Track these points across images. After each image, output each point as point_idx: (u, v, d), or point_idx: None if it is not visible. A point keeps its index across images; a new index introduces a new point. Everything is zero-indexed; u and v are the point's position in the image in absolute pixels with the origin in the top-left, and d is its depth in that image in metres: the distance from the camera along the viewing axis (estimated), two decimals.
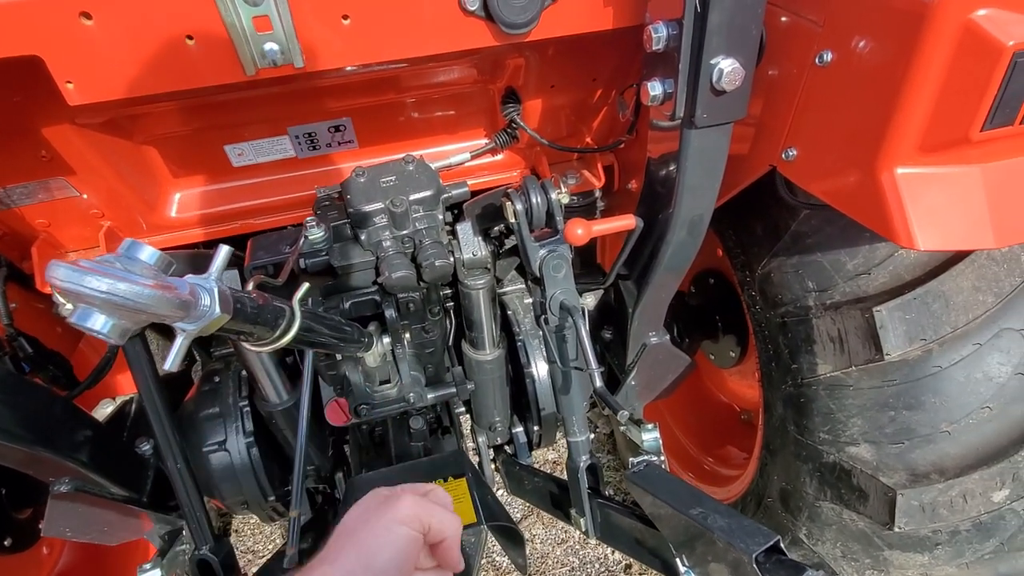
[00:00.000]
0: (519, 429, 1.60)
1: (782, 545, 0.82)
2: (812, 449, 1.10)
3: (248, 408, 1.36)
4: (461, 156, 1.22)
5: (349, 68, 0.96)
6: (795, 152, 0.78)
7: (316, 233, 1.00)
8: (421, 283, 1.12)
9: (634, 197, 1.17)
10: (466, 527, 1.14)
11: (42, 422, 0.91)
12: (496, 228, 1.21)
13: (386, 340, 1.20)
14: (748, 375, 1.73)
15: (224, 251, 0.57)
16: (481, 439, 1.62)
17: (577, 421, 1.14)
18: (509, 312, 1.48)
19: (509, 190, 1.02)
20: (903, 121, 0.63)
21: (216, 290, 0.54)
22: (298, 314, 0.71)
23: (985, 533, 0.98)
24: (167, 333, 1.13)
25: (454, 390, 1.30)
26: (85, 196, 1.04)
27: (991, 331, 0.90)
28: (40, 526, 1.51)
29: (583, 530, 1.23)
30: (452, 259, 1.11)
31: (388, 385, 1.26)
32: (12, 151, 0.94)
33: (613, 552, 2.14)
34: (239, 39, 0.72)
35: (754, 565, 0.80)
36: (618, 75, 1.10)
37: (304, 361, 0.94)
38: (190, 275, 0.54)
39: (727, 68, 0.71)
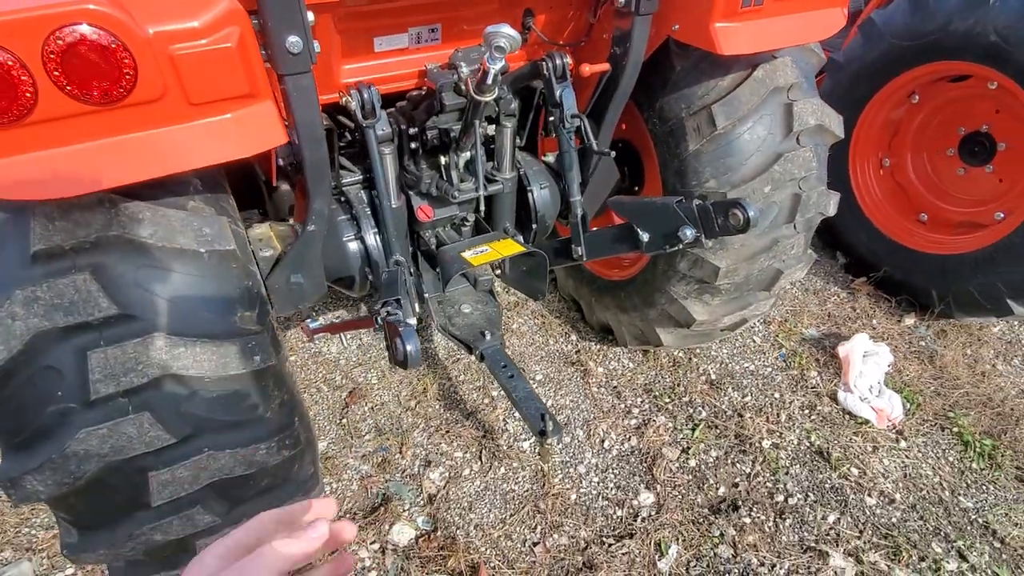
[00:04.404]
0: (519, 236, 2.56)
1: (683, 201, 1.88)
2: (689, 192, 2.19)
3: (371, 213, 2.17)
4: None
5: None
6: (678, 26, 1.85)
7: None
8: None
9: (586, 78, 2.15)
10: (514, 255, 2.09)
11: None
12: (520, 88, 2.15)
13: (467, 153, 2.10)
14: None
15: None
16: None
17: (576, 187, 2.14)
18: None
19: (541, 60, 1.98)
20: (713, 9, 1.70)
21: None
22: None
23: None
24: None
25: (501, 186, 2.23)
26: None
27: (758, 114, 2.04)
28: None
29: (577, 256, 2.24)
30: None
31: (467, 183, 2.16)
32: None
33: (566, 345, 3.19)
34: None
35: (675, 206, 1.85)
36: (583, 1, 2.10)
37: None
38: None
39: None
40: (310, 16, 1.36)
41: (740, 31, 1.74)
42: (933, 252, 3.15)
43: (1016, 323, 3.25)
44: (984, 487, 2.47)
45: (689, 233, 1.83)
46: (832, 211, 2.31)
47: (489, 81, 1.56)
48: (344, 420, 2.78)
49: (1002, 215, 2.92)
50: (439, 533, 2.32)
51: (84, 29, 0.99)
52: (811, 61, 2.18)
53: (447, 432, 2.72)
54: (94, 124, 1.07)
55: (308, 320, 2.17)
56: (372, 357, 3.10)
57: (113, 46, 1.02)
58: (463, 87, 1.90)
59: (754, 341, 3.20)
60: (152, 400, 1.31)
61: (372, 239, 2.13)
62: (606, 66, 1.97)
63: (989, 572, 2.17)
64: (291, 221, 2.24)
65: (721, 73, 2.02)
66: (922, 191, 3.34)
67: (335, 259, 2.13)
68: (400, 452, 2.64)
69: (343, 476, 2.55)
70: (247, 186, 2.35)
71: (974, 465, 2.55)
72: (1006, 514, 2.36)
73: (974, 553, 2.23)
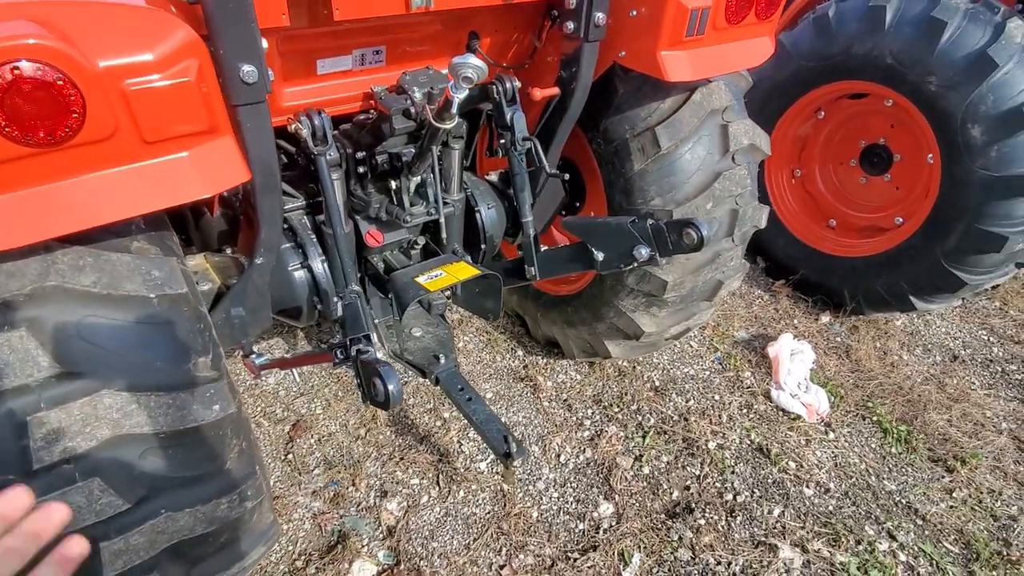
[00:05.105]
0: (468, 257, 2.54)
1: (636, 221, 1.94)
2: (635, 209, 2.27)
3: (317, 239, 2.08)
4: (443, 72, 2.13)
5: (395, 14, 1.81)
6: (624, 53, 1.91)
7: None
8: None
9: (535, 101, 2.18)
10: (469, 279, 2.08)
11: None
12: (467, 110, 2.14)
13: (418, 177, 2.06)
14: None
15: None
16: None
17: (529, 208, 2.15)
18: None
19: (491, 83, 1.98)
20: (659, 38, 1.78)
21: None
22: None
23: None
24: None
25: (452, 208, 2.20)
26: None
27: (697, 135, 2.14)
28: None
29: (530, 276, 2.25)
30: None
31: (417, 207, 2.12)
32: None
33: (513, 360, 3.20)
34: None
35: (629, 226, 1.91)
36: (529, 25, 2.13)
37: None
38: None
39: (600, 16, 1.80)
40: (264, 43, 1.29)
41: (683, 59, 1.82)
42: (843, 255, 3.42)
43: (915, 316, 3.58)
44: (904, 469, 2.71)
45: (644, 252, 1.90)
46: (763, 224, 2.46)
47: (453, 110, 1.55)
48: (290, 455, 2.64)
49: (901, 220, 3.22)
50: (403, 566, 2.25)
51: (25, 66, 0.89)
52: (740, 84, 2.31)
53: (401, 459, 2.65)
54: (36, 168, 0.96)
55: (253, 356, 2.04)
56: (314, 386, 2.97)
57: (59, 82, 0.92)
58: (414, 111, 1.87)
59: (691, 346, 3.34)
60: (102, 464, 1.19)
61: (320, 267, 2.05)
62: (556, 90, 2.00)
63: (916, 548, 2.38)
64: (229, 251, 2.11)
65: (662, 96, 2.10)
66: (830, 199, 3.62)
67: (281, 290, 2.03)
68: (353, 484, 2.54)
69: (294, 516, 2.42)
70: (167, 212, 2.19)
71: (893, 450, 2.79)
72: (924, 493, 2.59)
73: (902, 532, 2.43)
